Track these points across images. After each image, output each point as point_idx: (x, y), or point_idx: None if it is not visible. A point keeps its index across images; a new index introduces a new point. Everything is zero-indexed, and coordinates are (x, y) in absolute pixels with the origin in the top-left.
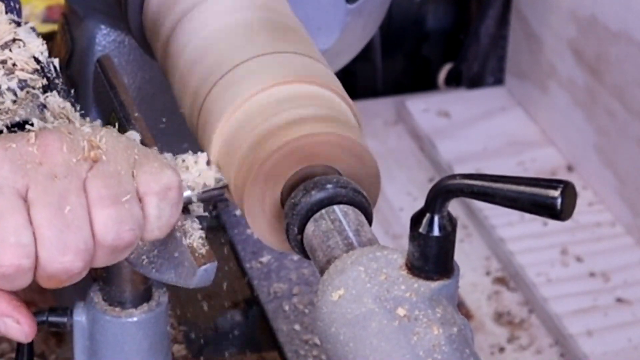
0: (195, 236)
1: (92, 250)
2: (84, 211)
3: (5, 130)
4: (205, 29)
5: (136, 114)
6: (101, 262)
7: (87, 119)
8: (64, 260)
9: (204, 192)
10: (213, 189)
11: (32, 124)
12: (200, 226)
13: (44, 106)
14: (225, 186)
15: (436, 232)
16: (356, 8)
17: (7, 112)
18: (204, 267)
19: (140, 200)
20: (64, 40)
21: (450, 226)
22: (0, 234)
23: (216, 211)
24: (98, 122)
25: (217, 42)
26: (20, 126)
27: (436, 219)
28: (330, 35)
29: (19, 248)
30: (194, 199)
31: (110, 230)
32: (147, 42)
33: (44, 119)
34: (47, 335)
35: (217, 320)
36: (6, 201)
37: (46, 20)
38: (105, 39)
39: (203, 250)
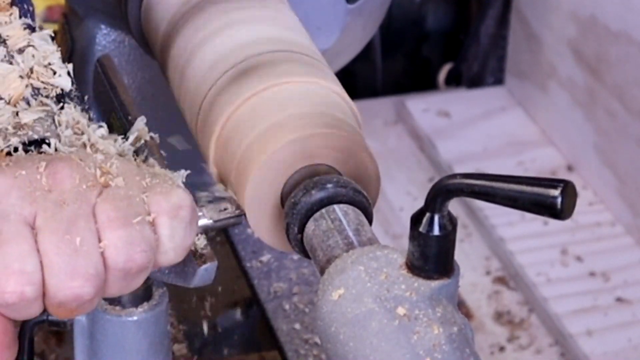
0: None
1: (102, 275)
2: (93, 236)
3: (20, 147)
4: (205, 28)
5: (136, 114)
6: (114, 288)
7: (100, 129)
8: (72, 285)
9: (220, 220)
10: (230, 217)
11: (48, 144)
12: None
13: (58, 120)
14: (242, 214)
15: (436, 231)
16: (356, 8)
17: (22, 128)
18: (204, 266)
19: (152, 223)
20: (64, 40)
21: (450, 226)
22: (4, 261)
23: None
24: (104, 128)
25: (216, 41)
26: (37, 143)
27: (436, 218)
28: (330, 35)
29: (23, 275)
30: (209, 227)
31: (121, 253)
32: (147, 42)
33: (58, 136)
34: (47, 335)
35: (217, 319)
36: (11, 228)
37: (46, 20)
38: (105, 39)
39: (203, 250)
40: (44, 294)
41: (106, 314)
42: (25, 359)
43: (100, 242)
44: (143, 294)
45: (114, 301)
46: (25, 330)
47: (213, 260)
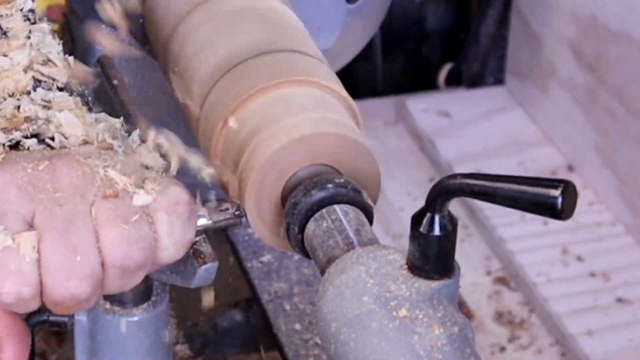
0: (195, 236)
1: (99, 275)
2: (90, 235)
3: (23, 140)
4: (206, 29)
5: (136, 114)
6: (113, 286)
7: (99, 124)
8: (68, 285)
9: (219, 221)
10: (229, 218)
11: (52, 138)
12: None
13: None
14: (242, 216)
15: (437, 231)
16: (356, 8)
17: (24, 121)
18: (204, 266)
19: (151, 220)
20: (64, 40)
21: (450, 226)
22: (1, 261)
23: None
24: (104, 119)
25: (217, 42)
26: (39, 137)
27: (437, 218)
28: (330, 35)
29: (20, 275)
30: (208, 227)
31: (119, 251)
32: (148, 41)
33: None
34: (48, 335)
35: (217, 320)
36: (9, 227)
37: (46, 20)
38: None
39: (204, 250)
40: (41, 292)
41: (107, 314)
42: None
43: (98, 241)
44: (144, 294)
45: (114, 301)
46: None
47: (214, 260)
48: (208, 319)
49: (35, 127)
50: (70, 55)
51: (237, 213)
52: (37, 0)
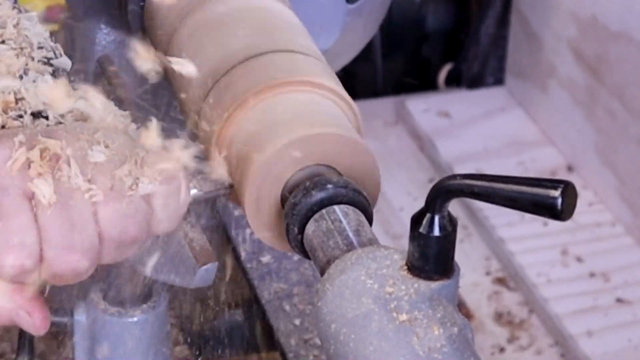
0: (195, 236)
1: (97, 248)
2: (88, 209)
3: (18, 120)
4: (207, 29)
5: (136, 114)
6: (108, 258)
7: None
8: (69, 259)
9: (210, 192)
10: (219, 189)
11: (46, 117)
12: (200, 226)
13: None
14: (231, 186)
15: (436, 232)
16: (356, 8)
17: (21, 100)
18: (204, 267)
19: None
20: (64, 40)
21: (450, 226)
22: (4, 235)
23: (216, 210)
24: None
25: (218, 41)
26: (35, 116)
27: (436, 219)
28: (331, 35)
29: (23, 249)
30: (199, 198)
31: (116, 225)
32: (148, 41)
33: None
34: (47, 335)
35: (217, 320)
36: (11, 201)
37: (46, 20)
38: (105, 39)
39: (203, 250)
40: (40, 265)
41: (106, 314)
42: (26, 359)
43: (96, 216)
44: (143, 295)
45: (114, 302)
46: (25, 330)
47: (213, 260)
48: (208, 319)
49: (28, 106)
50: (70, 55)
51: (227, 183)
52: (37, 0)
